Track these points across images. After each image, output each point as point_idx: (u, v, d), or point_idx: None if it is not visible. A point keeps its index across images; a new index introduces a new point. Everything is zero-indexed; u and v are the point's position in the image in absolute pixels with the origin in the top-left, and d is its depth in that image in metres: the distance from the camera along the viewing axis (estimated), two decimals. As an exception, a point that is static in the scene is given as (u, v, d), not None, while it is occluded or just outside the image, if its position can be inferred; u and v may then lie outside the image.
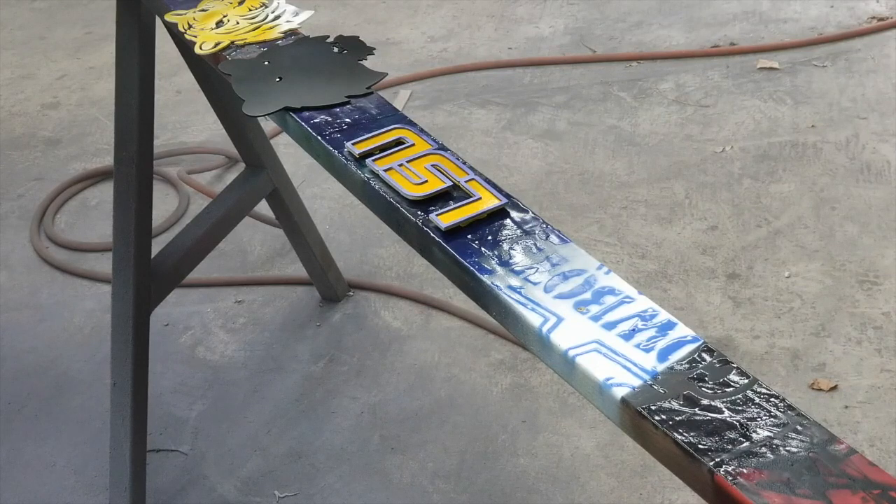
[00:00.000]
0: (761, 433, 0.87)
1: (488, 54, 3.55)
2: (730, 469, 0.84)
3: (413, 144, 1.28)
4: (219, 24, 1.60)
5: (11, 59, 3.82)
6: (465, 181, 1.20)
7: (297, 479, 2.07)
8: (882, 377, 2.14)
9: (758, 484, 0.83)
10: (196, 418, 2.23)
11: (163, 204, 2.88)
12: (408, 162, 1.24)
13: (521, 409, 2.17)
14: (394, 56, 3.58)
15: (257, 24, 1.58)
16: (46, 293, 2.63)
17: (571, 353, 0.97)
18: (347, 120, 1.35)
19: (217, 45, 1.54)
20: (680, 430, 0.88)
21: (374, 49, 1.51)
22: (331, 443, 2.14)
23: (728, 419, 0.88)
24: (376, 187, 1.22)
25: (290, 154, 2.87)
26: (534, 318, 1.02)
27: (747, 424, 0.88)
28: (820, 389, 2.13)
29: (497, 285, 1.06)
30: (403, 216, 1.18)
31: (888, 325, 2.27)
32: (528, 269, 1.08)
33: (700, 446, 0.86)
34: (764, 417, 0.88)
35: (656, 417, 0.89)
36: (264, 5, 1.64)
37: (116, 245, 1.95)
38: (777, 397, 0.90)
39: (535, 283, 1.06)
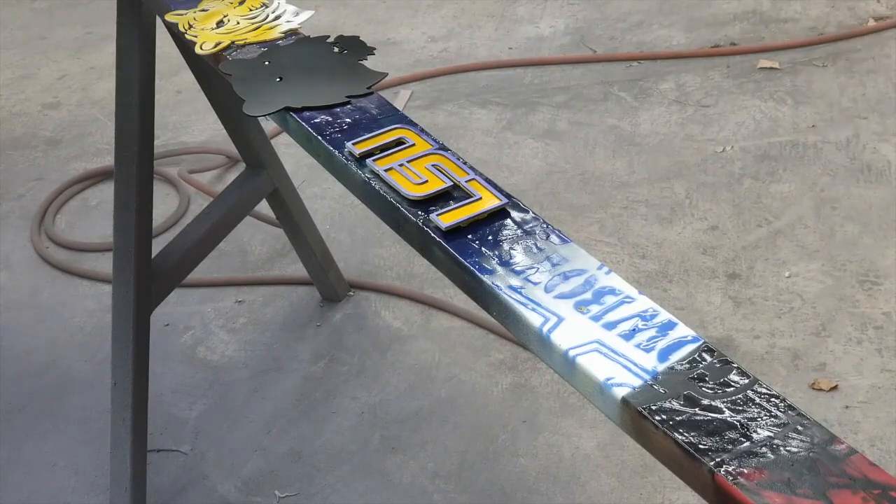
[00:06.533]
0: (762, 433, 0.87)
1: (489, 54, 3.55)
2: (730, 469, 0.84)
3: (413, 144, 1.28)
4: (219, 24, 1.60)
5: (12, 59, 3.82)
6: (466, 181, 1.20)
7: (297, 479, 2.07)
8: (882, 377, 2.14)
9: (758, 484, 0.83)
10: (196, 418, 2.23)
11: (163, 204, 2.88)
12: (408, 162, 1.24)
13: (521, 408, 2.17)
14: (394, 56, 3.58)
15: (258, 24, 1.59)
16: (47, 293, 2.63)
17: (572, 352, 0.97)
18: (348, 120, 1.35)
19: (217, 45, 1.54)
20: (680, 430, 0.88)
21: (375, 49, 1.51)
22: (331, 443, 2.14)
23: (728, 419, 0.88)
24: (377, 187, 1.22)
25: (290, 154, 2.87)
26: (534, 318, 1.02)
27: (748, 424, 0.88)
28: (820, 389, 2.13)
29: (497, 285, 1.06)
30: (404, 216, 1.18)
31: (889, 325, 2.27)
32: (528, 268, 1.08)
33: (700, 446, 0.86)
34: (764, 417, 0.88)
35: (657, 417, 0.89)
36: (265, 5, 1.64)
37: (117, 245, 1.95)
38: (777, 397, 0.90)
39: (535, 283, 1.06)
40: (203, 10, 1.64)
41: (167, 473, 2.11)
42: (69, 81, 3.64)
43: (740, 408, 0.89)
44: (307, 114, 1.36)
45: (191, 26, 1.60)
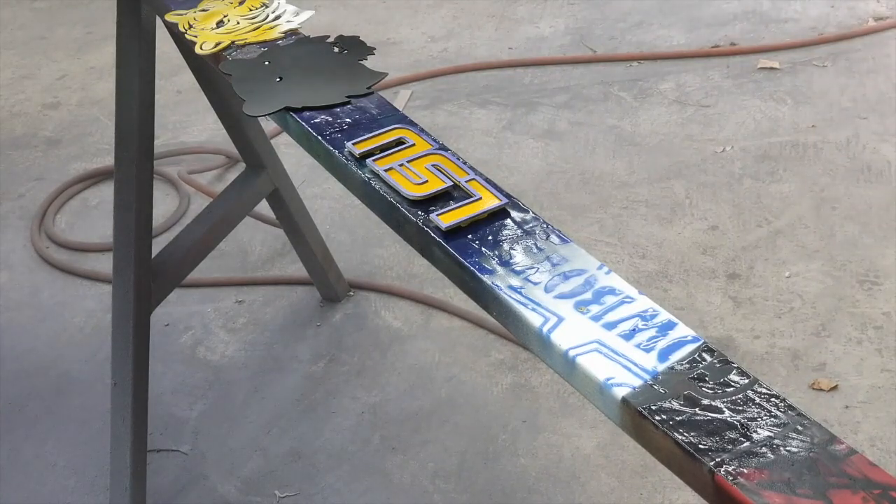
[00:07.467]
0: (762, 433, 0.87)
1: (489, 54, 3.55)
2: (730, 469, 0.84)
3: (413, 144, 1.28)
4: (219, 24, 1.60)
5: (12, 59, 3.82)
6: (466, 181, 1.20)
7: (297, 478, 2.07)
8: (882, 377, 2.14)
9: (758, 484, 0.83)
10: (196, 418, 2.23)
11: (163, 204, 2.88)
12: (408, 162, 1.24)
13: (521, 408, 2.17)
14: (394, 56, 3.58)
15: (258, 24, 1.59)
16: (47, 293, 2.63)
17: (572, 353, 0.97)
18: (348, 120, 1.35)
19: (217, 45, 1.54)
20: (680, 430, 0.88)
21: (375, 49, 1.51)
22: (331, 443, 2.14)
23: (728, 419, 0.88)
24: (377, 187, 1.22)
25: (290, 154, 2.87)
26: (534, 318, 1.02)
27: (748, 424, 0.88)
28: (820, 389, 2.13)
29: (497, 285, 1.06)
30: (404, 216, 1.18)
31: (888, 325, 2.27)
32: (528, 268, 1.08)
33: (700, 446, 0.86)
34: (764, 417, 0.88)
35: (657, 417, 0.89)
36: (265, 5, 1.64)
37: (117, 245, 1.95)
38: (777, 397, 0.90)
39: (535, 283, 1.06)
40: (203, 10, 1.64)
41: (167, 473, 2.11)
42: (69, 81, 3.64)
43: (740, 408, 0.89)
44: (307, 114, 1.36)
45: (191, 26, 1.60)
